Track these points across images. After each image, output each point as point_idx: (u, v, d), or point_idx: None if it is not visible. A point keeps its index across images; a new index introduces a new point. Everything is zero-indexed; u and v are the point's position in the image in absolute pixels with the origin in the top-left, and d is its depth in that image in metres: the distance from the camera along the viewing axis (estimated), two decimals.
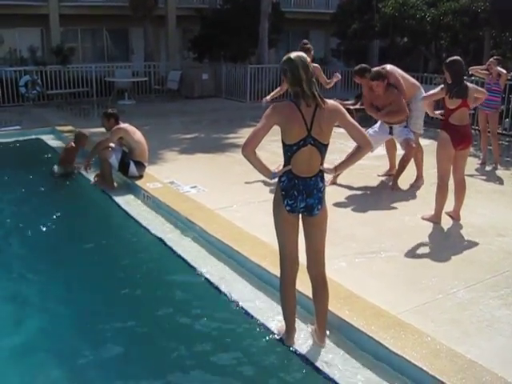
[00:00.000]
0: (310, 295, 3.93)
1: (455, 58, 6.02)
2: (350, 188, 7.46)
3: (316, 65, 7.84)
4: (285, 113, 3.51)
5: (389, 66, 7.51)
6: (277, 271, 3.98)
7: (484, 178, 8.24)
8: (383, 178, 7.95)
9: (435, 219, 6.15)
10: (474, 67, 9.68)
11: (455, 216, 6.22)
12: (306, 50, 7.47)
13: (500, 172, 8.56)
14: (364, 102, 7.75)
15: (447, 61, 6.05)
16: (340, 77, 7.95)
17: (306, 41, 7.84)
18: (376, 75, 7.21)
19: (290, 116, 3.50)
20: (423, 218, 6.26)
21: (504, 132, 11.31)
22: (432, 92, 6.12)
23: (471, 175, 8.33)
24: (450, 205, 6.22)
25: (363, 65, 7.63)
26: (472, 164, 9.02)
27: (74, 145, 8.42)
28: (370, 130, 7.76)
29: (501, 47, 16.16)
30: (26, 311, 4.39)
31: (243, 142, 3.52)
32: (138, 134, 7.77)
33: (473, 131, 11.68)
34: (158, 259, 5.40)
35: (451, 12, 14.11)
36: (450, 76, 5.90)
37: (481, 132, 9.24)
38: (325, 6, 24.69)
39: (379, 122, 7.67)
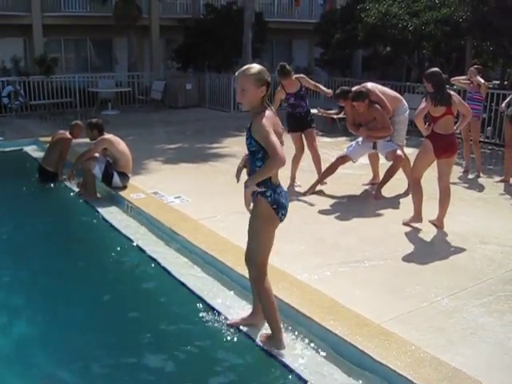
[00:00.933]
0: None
1: (434, 69, 6.23)
2: (334, 197, 7.47)
3: (301, 75, 7.89)
4: (274, 121, 3.63)
5: (369, 84, 7.55)
6: None
7: (467, 185, 8.29)
8: (367, 187, 7.99)
9: (416, 220, 6.26)
10: (456, 78, 9.80)
11: (439, 224, 6.25)
12: (289, 73, 7.54)
13: (483, 180, 8.63)
14: (346, 120, 7.84)
15: (427, 73, 6.24)
16: (331, 93, 8.01)
17: (283, 64, 7.69)
18: (356, 96, 7.26)
19: (276, 124, 3.63)
20: (404, 223, 6.32)
21: (486, 140, 11.41)
22: (421, 107, 6.14)
23: (454, 183, 8.37)
24: (433, 213, 6.25)
25: (344, 88, 7.71)
26: (455, 172, 9.06)
27: (69, 136, 8.40)
28: (354, 143, 7.84)
29: (482, 56, 16.36)
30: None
31: (275, 153, 3.45)
32: (122, 145, 7.75)
33: (459, 140, 11.86)
34: (141, 270, 5.35)
35: (433, 21, 14.23)
36: (432, 86, 6.01)
37: (463, 140, 9.31)
38: (308, 15, 24.90)
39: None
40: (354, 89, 7.46)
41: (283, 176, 6.70)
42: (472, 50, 15.20)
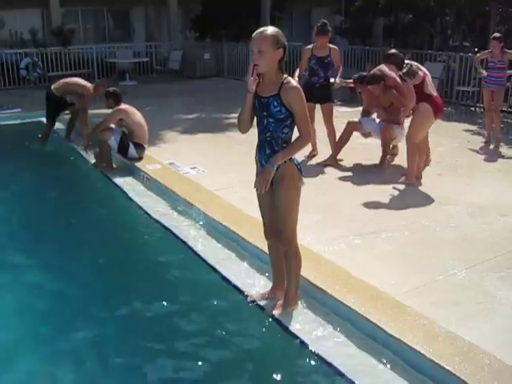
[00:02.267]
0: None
1: (391, 51, 6.81)
2: (350, 168, 7.38)
3: (336, 47, 7.67)
4: None
5: (387, 70, 7.16)
6: None
7: (487, 157, 8.12)
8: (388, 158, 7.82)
9: (411, 181, 6.62)
10: (478, 56, 9.39)
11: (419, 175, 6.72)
12: (327, 32, 7.39)
13: (504, 150, 8.44)
14: (364, 104, 7.83)
15: (388, 53, 6.78)
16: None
17: (325, 21, 7.49)
18: (371, 79, 7.21)
19: None
20: (400, 182, 6.66)
21: (509, 110, 11.15)
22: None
23: (475, 154, 8.25)
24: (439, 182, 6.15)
25: (362, 73, 7.69)
26: (476, 143, 8.92)
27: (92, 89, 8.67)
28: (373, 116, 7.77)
29: (507, 23, 15.93)
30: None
31: (308, 133, 3.57)
32: (137, 116, 7.69)
33: (478, 109, 11.63)
34: (156, 240, 5.34)
35: None
36: (397, 66, 6.48)
37: (485, 110, 9.11)
38: None
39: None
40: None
41: None
42: (497, 16, 14.81)
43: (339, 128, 7.73)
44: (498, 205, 5.95)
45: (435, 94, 6.51)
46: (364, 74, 7.54)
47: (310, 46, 7.58)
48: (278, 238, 3.89)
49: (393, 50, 6.91)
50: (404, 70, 6.35)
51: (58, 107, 8.96)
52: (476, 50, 10.72)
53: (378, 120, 7.67)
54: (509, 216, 5.65)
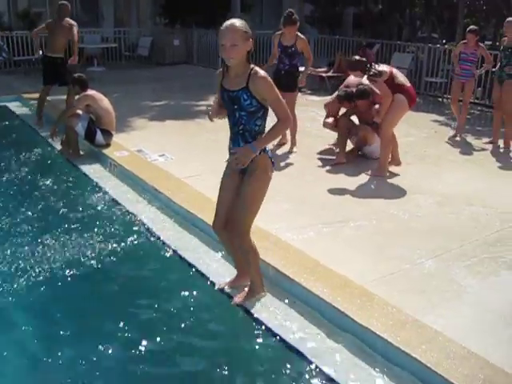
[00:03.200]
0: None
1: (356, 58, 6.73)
2: (319, 158, 7.38)
3: (303, 37, 7.53)
4: None
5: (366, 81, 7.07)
6: None
7: (454, 147, 8.22)
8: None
9: (382, 173, 6.61)
10: (455, 51, 9.33)
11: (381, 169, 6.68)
12: (295, 22, 7.30)
13: (471, 141, 8.56)
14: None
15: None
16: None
17: (291, 10, 7.42)
18: (361, 95, 7.10)
19: None
20: (372, 175, 6.62)
21: (475, 101, 11.28)
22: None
23: (442, 144, 8.33)
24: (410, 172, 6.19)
25: (347, 90, 7.38)
26: (443, 133, 9.01)
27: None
28: None
29: (475, 15, 16.11)
30: None
31: (286, 116, 3.51)
32: (105, 102, 7.57)
33: (446, 100, 11.74)
34: (123, 228, 5.26)
35: None
36: (362, 71, 6.52)
37: (452, 101, 9.20)
38: None
39: None
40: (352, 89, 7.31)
41: None
42: (464, 8, 14.95)
43: (308, 116, 7.73)
44: (465, 194, 6.02)
45: (408, 84, 6.50)
46: (349, 90, 7.35)
47: (279, 33, 7.51)
48: (229, 231, 3.82)
49: (356, 57, 6.84)
50: (370, 72, 6.36)
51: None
52: (444, 41, 10.84)
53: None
54: (475, 205, 5.72)
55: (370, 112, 7.20)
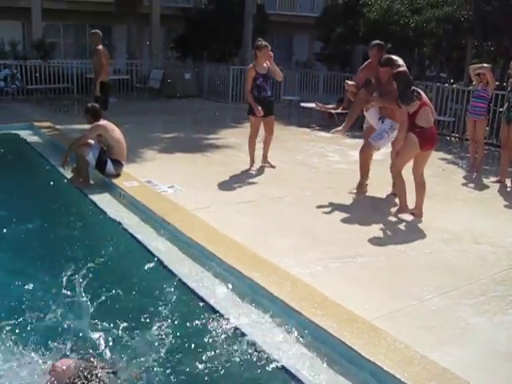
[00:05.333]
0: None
1: (401, 69, 6.51)
2: (328, 193, 7.43)
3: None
4: None
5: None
6: (251, 274, 3.91)
7: (462, 185, 8.26)
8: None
9: (404, 211, 6.45)
10: (474, 66, 9.39)
11: (418, 213, 6.42)
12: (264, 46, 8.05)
13: (479, 180, 8.60)
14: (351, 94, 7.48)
15: (397, 72, 6.42)
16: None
17: (259, 39, 8.46)
18: (387, 61, 6.92)
19: None
20: (393, 215, 6.48)
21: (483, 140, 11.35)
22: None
23: (450, 182, 8.37)
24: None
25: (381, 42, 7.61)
26: (451, 171, 9.07)
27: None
28: (379, 131, 7.18)
29: (482, 56, 16.29)
30: None
31: None
32: (116, 132, 7.67)
33: (453, 139, 11.83)
34: (132, 257, 5.29)
35: (435, 19, 14.16)
36: (398, 85, 6.32)
37: (470, 139, 9.29)
38: (310, 9, 24.77)
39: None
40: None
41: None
42: (473, 49, 15.15)
43: (317, 152, 7.80)
44: (472, 232, 6.04)
45: (428, 125, 6.27)
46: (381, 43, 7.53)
47: (251, 66, 8.26)
48: None
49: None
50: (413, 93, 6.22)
51: None
52: (452, 81, 10.98)
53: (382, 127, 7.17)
54: (482, 244, 5.74)
55: (388, 85, 6.79)
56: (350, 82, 7.47)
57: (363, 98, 7.12)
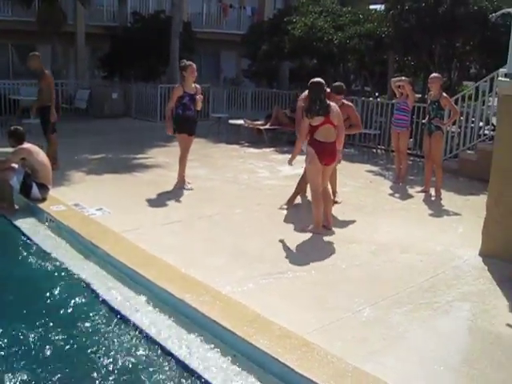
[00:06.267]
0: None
1: (317, 79, 6.40)
2: (258, 209, 7.46)
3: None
4: None
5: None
6: (183, 295, 3.85)
7: (389, 196, 8.48)
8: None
9: (317, 230, 6.42)
10: (396, 79, 9.66)
11: (328, 224, 6.54)
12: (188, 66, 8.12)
13: (405, 190, 8.84)
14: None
15: (310, 82, 6.41)
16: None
17: (183, 60, 8.71)
18: (338, 88, 7.29)
19: None
20: (304, 230, 6.46)
21: (407, 151, 11.69)
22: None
23: (377, 193, 8.57)
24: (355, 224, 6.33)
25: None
26: (378, 183, 9.29)
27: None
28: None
29: (404, 70, 16.86)
30: None
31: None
32: (41, 155, 7.48)
33: (379, 151, 12.14)
34: (60, 285, 5.13)
35: (357, 36, 14.55)
36: (310, 96, 6.32)
37: (395, 151, 9.55)
38: (236, 27, 24.95)
39: None
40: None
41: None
42: (394, 64, 15.66)
43: (247, 168, 7.83)
44: (400, 242, 6.19)
45: (328, 140, 6.31)
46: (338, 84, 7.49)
47: (178, 85, 8.32)
48: None
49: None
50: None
51: None
52: (377, 94, 11.29)
53: None
54: (409, 253, 5.89)
55: (343, 110, 6.92)
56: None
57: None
